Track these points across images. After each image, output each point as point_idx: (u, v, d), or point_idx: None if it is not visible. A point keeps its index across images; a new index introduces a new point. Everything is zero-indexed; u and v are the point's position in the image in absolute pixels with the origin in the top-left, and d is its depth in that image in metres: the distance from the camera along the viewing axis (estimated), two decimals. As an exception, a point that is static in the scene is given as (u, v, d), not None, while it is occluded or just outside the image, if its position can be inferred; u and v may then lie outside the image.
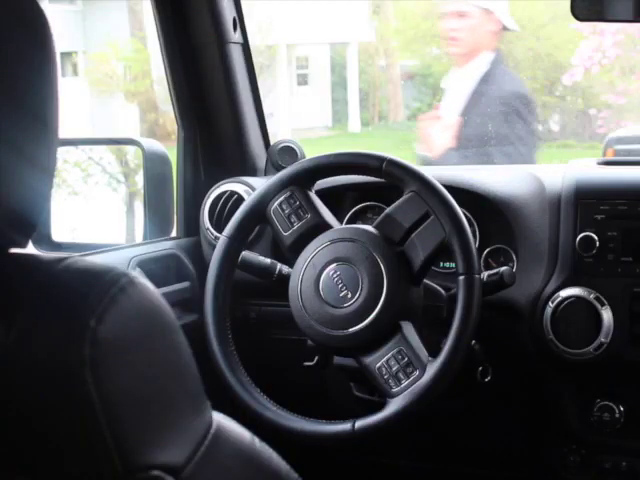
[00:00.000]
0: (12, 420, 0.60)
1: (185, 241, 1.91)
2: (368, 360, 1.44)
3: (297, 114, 13.64)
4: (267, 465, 0.72)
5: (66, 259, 0.63)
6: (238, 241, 1.58)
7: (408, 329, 1.43)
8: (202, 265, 1.82)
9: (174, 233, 1.94)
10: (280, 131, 11.85)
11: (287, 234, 1.55)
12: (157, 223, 1.87)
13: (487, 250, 1.73)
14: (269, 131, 2.02)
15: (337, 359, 1.60)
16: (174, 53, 1.86)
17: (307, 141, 11.06)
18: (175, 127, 1.97)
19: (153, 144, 1.88)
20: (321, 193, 1.60)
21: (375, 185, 1.73)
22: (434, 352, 1.41)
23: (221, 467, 0.67)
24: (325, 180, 1.65)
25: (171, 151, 1.93)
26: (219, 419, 0.68)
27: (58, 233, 1.88)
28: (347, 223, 1.80)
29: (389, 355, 1.42)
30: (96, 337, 0.58)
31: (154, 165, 1.85)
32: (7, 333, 0.59)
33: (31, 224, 0.64)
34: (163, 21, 1.83)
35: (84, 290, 0.59)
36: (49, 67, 0.64)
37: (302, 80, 14.85)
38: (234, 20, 1.86)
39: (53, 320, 0.59)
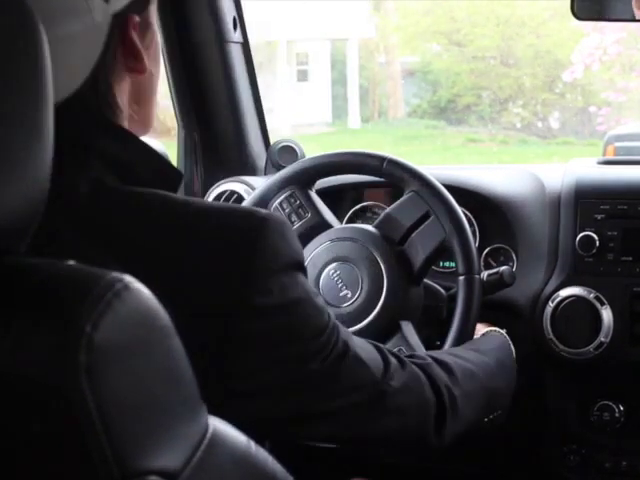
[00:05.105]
0: (7, 427, 0.60)
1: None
2: (368, 360, 1.44)
3: (297, 110, 13.63)
4: (262, 469, 0.72)
5: (60, 264, 0.63)
6: (238, 241, 1.57)
7: (408, 329, 1.43)
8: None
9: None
10: (280, 127, 11.84)
11: (287, 234, 1.54)
12: None
13: (487, 250, 1.72)
14: (269, 127, 2.02)
15: (337, 359, 1.60)
16: (174, 52, 1.85)
17: (307, 137, 11.05)
18: (175, 123, 1.96)
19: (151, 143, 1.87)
20: (321, 192, 1.60)
21: (375, 185, 1.73)
22: (434, 352, 1.41)
23: (217, 471, 0.67)
24: (325, 179, 1.64)
25: (170, 147, 1.92)
26: (215, 423, 0.68)
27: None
28: (347, 223, 1.80)
29: (389, 355, 1.42)
30: (92, 343, 0.57)
31: None
32: (2, 340, 0.58)
33: (25, 230, 0.64)
34: (163, 20, 1.82)
35: (79, 295, 0.59)
36: (41, 74, 0.64)
37: (302, 76, 14.82)
38: (234, 19, 1.86)
39: (48, 326, 0.58)
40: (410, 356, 1.09)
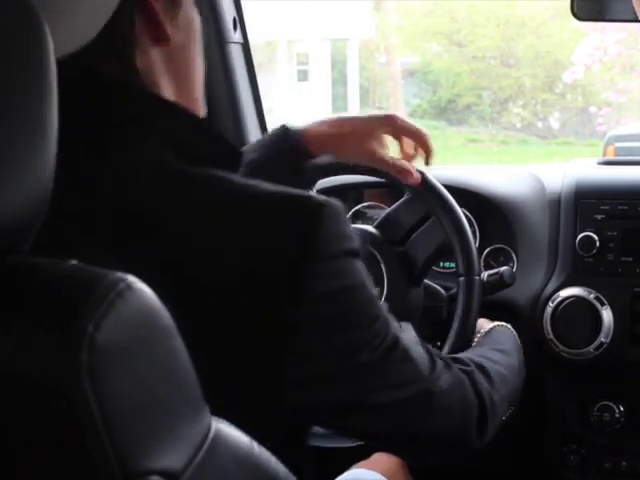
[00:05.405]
0: (8, 427, 0.60)
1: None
2: (368, 361, 1.44)
3: (297, 110, 13.63)
4: (265, 469, 0.72)
5: (63, 263, 0.63)
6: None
7: (408, 330, 1.43)
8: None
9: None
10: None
11: (287, 234, 1.54)
12: None
13: (487, 250, 1.72)
14: (269, 127, 2.01)
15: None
16: None
17: (307, 138, 11.03)
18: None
19: None
20: (321, 192, 1.59)
21: (376, 185, 1.73)
22: (434, 353, 1.41)
23: (219, 472, 0.67)
24: (325, 180, 1.64)
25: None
26: (217, 424, 0.68)
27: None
28: (347, 223, 1.80)
29: (389, 356, 1.41)
30: (94, 343, 0.57)
31: None
32: (4, 340, 0.58)
33: (28, 229, 0.64)
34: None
35: (82, 296, 0.59)
36: (45, 73, 0.64)
37: (302, 76, 14.83)
38: (234, 20, 1.86)
39: (50, 326, 0.58)
40: (454, 359, 1.09)
